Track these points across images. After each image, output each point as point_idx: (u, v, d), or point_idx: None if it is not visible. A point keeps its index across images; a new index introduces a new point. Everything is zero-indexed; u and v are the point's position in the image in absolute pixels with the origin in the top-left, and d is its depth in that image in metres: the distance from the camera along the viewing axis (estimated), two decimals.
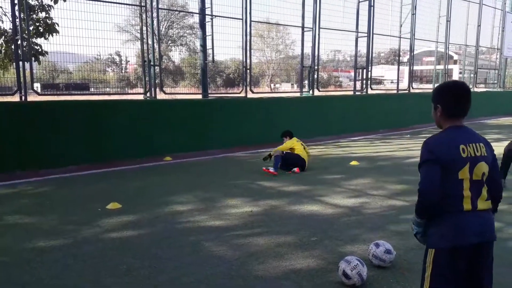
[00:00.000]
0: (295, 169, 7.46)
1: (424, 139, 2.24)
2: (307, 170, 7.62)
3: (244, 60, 10.83)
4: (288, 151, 7.66)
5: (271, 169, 7.33)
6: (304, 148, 7.76)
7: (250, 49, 10.87)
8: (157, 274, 3.55)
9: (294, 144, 7.76)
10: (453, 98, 2.26)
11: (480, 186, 2.20)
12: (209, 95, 10.81)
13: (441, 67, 18.47)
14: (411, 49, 15.53)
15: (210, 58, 10.70)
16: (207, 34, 10.57)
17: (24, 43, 7.71)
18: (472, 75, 19.96)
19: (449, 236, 2.14)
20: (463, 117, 2.32)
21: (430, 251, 2.21)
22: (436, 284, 2.17)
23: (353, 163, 8.29)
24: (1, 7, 8.30)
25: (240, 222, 4.87)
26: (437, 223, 2.18)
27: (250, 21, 10.74)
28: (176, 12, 15.07)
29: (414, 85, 16.22)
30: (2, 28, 8.35)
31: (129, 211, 5.24)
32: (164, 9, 12.79)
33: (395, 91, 15.77)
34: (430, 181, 2.13)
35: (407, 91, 15.67)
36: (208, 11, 10.44)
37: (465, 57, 21.20)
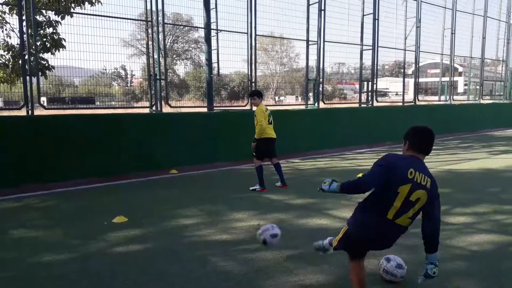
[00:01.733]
0: (279, 185, 7.36)
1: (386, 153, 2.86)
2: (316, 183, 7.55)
3: (249, 73, 10.87)
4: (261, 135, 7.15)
5: (258, 188, 7.15)
6: (270, 121, 7.29)
7: (255, 62, 10.91)
8: None
9: (264, 117, 7.11)
10: (419, 139, 2.86)
11: (410, 207, 2.74)
12: (214, 108, 10.83)
13: (446, 79, 18.46)
14: (416, 62, 15.54)
15: (215, 72, 10.74)
16: (212, 48, 10.63)
17: (31, 58, 7.78)
18: (477, 87, 19.91)
19: (358, 228, 2.94)
20: (424, 156, 2.86)
21: (344, 227, 3.08)
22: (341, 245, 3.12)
23: (360, 175, 8.20)
24: (8, 23, 8.42)
25: (247, 236, 4.81)
26: (358, 217, 2.98)
27: (255, 35, 10.79)
28: (182, 27, 15.19)
29: (420, 97, 16.17)
30: (9, 43, 8.45)
31: (135, 225, 5.19)
32: (170, 24, 12.91)
33: (400, 103, 15.73)
34: (373, 178, 2.74)
35: (413, 103, 15.64)
36: (213, 26, 10.52)
37: (470, 69, 21.20)
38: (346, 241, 3.02)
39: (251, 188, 7.20)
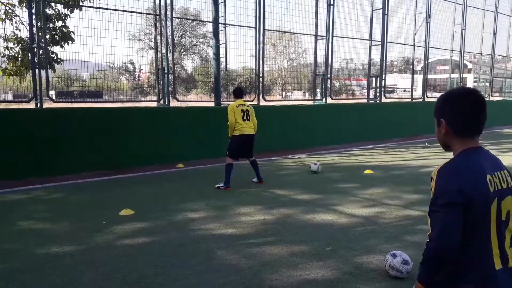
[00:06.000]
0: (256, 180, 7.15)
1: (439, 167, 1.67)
2: (320, 172, 7.54)
3: (256, 68, 10.84)
4: (234, 132, 6.94)
5: (222, 186, 6.83)
6: (245, 118, 6.94)
7: (263, 57, 10.88)
8: (170, 282, 3.51)
9: (236, 115, 6.88)
10: (463, 110, 1.65)
11: (504, 229, 1.61)
12: (222, 102, 10.82)
13: (455, 75, 18.28)
14: (426, 58, 15.39)
15: (222, 67, 10.73)
16: (220, 42, 10.61)
17: (41, 51, 7.82)
18: (487, 84, 19.69)
19: None
20: (478, 136, 1.70)
21: None
22: None
23: (367, 172, 8.18)
24: (18, 15, 8.47)
25: (252, 230, 4.82)
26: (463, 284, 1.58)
27: (263, 29, 10.75)
28: (189, 21, 15.18)
29: (428, 94, 16.03)
30: (19, 36, 8.50)
31: (142, 218, 5.22)
32: (178, 17, 12.90)
33: (409, 100, 15.62)
34: (449, 233, 1.53)
35: (421, 100, 15.51)
36: (221, 20, 10.50)
37: (480, 66, 20.95)
38: None
39: (216, 186, 6.91)
